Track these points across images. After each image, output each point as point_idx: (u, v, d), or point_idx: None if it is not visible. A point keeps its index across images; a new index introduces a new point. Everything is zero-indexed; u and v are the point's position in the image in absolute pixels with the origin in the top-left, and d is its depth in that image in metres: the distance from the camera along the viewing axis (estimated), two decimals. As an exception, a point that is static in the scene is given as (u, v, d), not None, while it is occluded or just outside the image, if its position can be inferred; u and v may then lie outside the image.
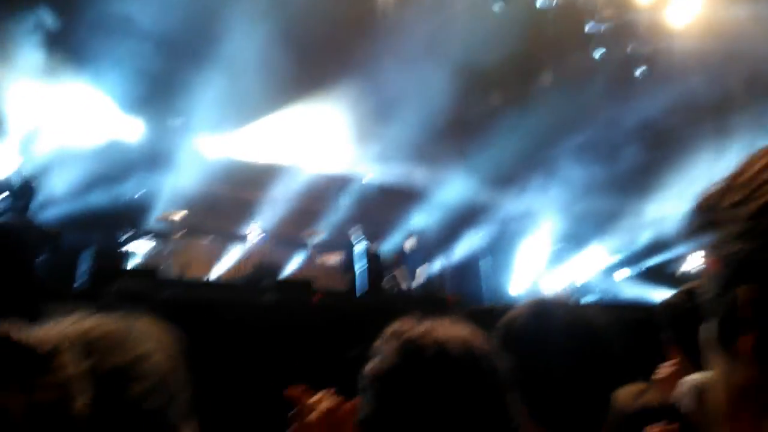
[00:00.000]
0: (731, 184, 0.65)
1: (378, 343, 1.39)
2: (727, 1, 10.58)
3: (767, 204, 0.60)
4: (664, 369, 2.00)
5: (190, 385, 1.18)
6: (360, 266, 11.38)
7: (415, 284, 11.90)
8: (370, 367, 1.35)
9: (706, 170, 10.95)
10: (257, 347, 7.04)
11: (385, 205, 13.75)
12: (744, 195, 0.62)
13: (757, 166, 0.63)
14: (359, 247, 11.36)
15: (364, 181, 14.85)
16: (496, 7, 10.72)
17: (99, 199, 10.74)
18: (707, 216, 0.67)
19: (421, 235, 12.34)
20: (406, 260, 12.13)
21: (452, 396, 1.25)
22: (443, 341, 1.29)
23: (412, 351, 1.30)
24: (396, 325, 1.38)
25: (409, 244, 12.17)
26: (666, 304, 2.02)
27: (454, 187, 13.55)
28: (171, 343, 1.40)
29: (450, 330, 1.34)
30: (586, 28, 11.38)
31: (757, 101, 10.43)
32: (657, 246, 11.33)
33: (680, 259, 10.87)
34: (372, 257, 11.36)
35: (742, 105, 10.68)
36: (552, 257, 12.68)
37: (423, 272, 12.01)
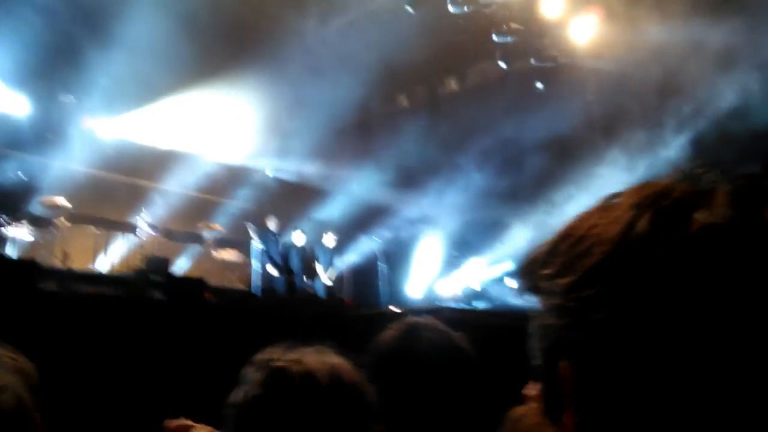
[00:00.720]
0: (553, 248, 0.62)
1: (244, 370, 1.33)
2: (626, 24, 11.03)
3: (580, 280, 0.56)
4: (532, 386, 2.00)
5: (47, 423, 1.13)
6: (256, 264, 11.13)
7: (321, 283, 11.75)
8: (234, 395, 1.29)
9: (603, 183, 11.42)
10: (141, 346, 6.73)
11: (285, 201, 13.54)
12: (561, 265, 0.59)
13: (579, 232, 0.60)
14: (255, 243, 11.10)
15: (266, 174, 14.58)
16: (409, 9, 10.71)
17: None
18: (529, 281, 0.65)
19: (327, 232, 12.19)
20: (317, 258, 11.95)
21: (317, 426, 1.20)
22: (311, 370, 1.25)
23: (279, 380, 1.25)
24: (264, 353, 1.33)
25: (327, 240, 11.97)
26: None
27: (355, 187, 13.52)
28: (31, 374, 1.32)
29: (319, 358, 1.29)
30: (495, 38, 11.55)
31: (650, 119, 10.95)
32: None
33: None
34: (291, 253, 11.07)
35: (637, 122, 11.18)
36: (448, 262, 12.88)
37: (330, 272, 11.88)
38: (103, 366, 6.33)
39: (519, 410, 1.73)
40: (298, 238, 11.97)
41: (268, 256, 11.31)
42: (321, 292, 11.65)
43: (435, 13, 11.66)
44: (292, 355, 1.29)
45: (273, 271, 11.34)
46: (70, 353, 6.18)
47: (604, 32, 11.32)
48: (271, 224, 11.86)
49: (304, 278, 11.85)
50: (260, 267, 11.31)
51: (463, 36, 11.99)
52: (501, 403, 1.75)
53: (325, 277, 11.82)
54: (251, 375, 1.30)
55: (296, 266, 11.77)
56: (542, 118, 12.41)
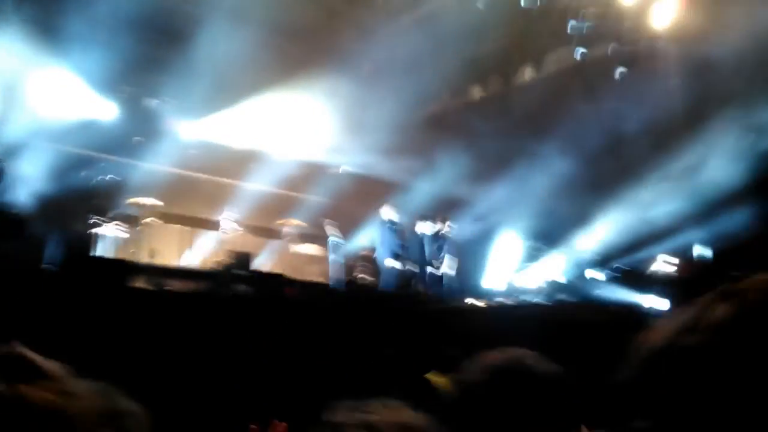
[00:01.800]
0: None
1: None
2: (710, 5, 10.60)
3: None
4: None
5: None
6: (333, 258, 11.25)
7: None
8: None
9: (682, 175, 11.05)
10: (226, 340, 6.94)
11: (362, 196, 13.65)
12: None
13: None
14: (333, 238, 11.22)
15: (343, 170, 14.76)
16: (480, 4, 10.61)
17: (69, 181, 10.49)
18: None
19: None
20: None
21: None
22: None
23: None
24: (332, 413, 1.28)
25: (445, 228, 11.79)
26: None
27: (432, 181, 13.50)
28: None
29: (389, 418, 1.24)
30: (569, 27, 11.32)
31: (735, 107, 10.47)
32: (629, 247, 11.42)
33: (651, 260, 10.97)
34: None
35: (720, 111, 10.71)
36: (529, 254, 12.70)
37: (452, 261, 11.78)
38: (189, 359, 6.57)
39: None
40: (426, 227, 11.90)
41: (387, 247, 11.13)
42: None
43: (508, 4, 11.52)
44: (359, 416, 1.24)
45: (393, 263, 11.19)
46: (159, 347, 6.45)
47: (687, 14, 10.88)
48: (390, 214, 11.74)
49: (432, 268, 11.72)
50: (341, 260, 11.39)
51: (537, 25, 11.77)
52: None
53: (450, 266, 11.69)
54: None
55: (429, 255, 11.68)
56: (627, 105, 12.10)
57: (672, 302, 9.02)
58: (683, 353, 0.61)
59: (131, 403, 1.09)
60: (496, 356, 1.58)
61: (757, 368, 0.54)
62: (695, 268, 9.64)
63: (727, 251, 9.48)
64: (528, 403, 1.43)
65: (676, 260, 10.33)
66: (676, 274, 9.89)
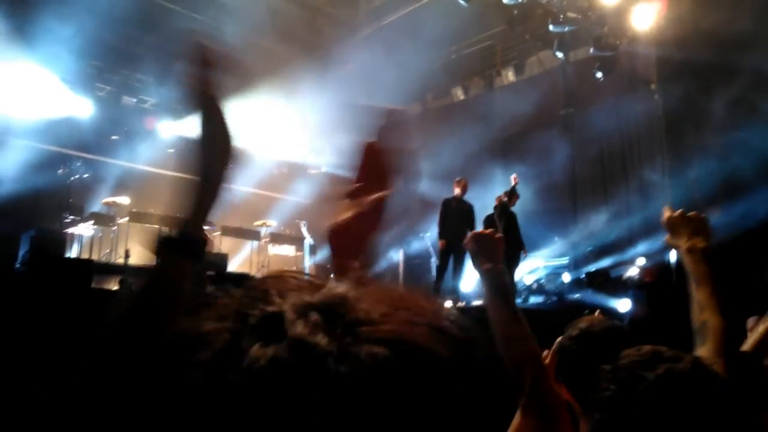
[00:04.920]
0: None
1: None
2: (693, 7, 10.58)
3: None
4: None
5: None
6: (309, 261, 11.19)
7: None
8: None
9: (660, 184, 11.06)
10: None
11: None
12: None
13: None
14: (308, 240, 11.19)
15: (321, 171, 14.71)
16: (461, 2, 10.58)
17: (44, 179, 10.43)
18: None
19: None
20: None
21: None
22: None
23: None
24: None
25: None
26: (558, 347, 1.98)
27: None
28: None
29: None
30: (551, 28, 11.29)
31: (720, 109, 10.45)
32: (603, 250, 11.44)
33: (624, 264, 10.97)
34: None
35: (702, 115, 10.71)
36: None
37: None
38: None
39: None
40: None
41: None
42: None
43: (489, 4, 11.49)
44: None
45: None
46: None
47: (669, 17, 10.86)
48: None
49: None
50: (312, 262, 11.39)
51: (518, 26, 11.74)
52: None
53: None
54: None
55: None
56: (603, 109, 12.11)
57: (637, 306, 9.06)
58: None
59: None
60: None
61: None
62: (660, 272, 9.64)
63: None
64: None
65: (644, 264, 10.35)
66: (643, 278, 9.91)
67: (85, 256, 10.35)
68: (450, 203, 9.90)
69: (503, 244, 2.06)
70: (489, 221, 9.80)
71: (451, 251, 9.64)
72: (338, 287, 0.54)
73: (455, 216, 9.76)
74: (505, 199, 9.85)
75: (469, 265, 10.12)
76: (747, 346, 1.97)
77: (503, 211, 9.78)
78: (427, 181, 12.83)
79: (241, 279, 8.91)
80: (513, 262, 9.66)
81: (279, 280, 0.57)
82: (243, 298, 0.55)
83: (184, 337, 0.52)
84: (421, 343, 0.49)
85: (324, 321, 0.49)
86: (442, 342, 0.51)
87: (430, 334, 0.50)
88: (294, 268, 0.60)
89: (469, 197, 10.29)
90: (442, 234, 9.78)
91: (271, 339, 0.48)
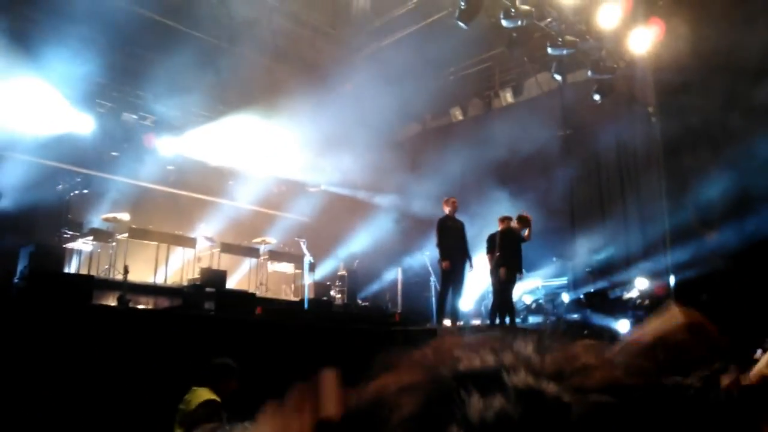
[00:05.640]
0: None
1: None
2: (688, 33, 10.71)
3: None
4: None
5: None
6: (308, 279, 11.21)
7: None
8: None
9: (659, 205, 11.11)
10: (186, 358, 6.89)
11: (339, 216, 13.65)
12: None
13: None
14: (307, 258, 11.18)
15: (320, 189, 14.76)
16: (461, 24, 10.68)
17: (43, 194, 10.43)
18: None
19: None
20: None
21: None
22: None
23: None
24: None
25: None
26: None
27: (406, 201, 13.53)
28: None
29: None
30: (549, 51, 11.39)
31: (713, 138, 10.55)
32: (602, 271, 11.48)
33: (625, 283, 10.99)
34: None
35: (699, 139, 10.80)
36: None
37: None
38: (153, 378, 6.51)
39: None
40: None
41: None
42: (369, 307, 11.61)
43: (488, 26, 11.60)
44: None
45: None
46: (123, 367, 6.39)
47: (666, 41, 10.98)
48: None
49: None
50: (312, 279, 11.38)
51: (517, 49, 11.85)
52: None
53: None
54: None
55: None
56: (601, 131, 12.21)
57: (636, 327, 9.02)
58: None
59: None
60: None
61: None
62: (664, 292, 9.67)
63: (695, 277, 9.55)
64: None
65: (647, 284, 10.38)
66: (646, 298, 9.94)
67: (83, 271, 10.35)
68: (446, 222, 9.84)
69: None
70: (492, 241, 9.79)
71: (453, 272, 9.59)
72: (526, 346, 0.55)
73: (452, 235, 9.76)
74: (516, 225, 9.83)
75: (467, 285, 10.15)
76: (752, 375, 2.00)
77: (510, 234, 9.73)
78: (423, 200, 12.95)
79: (243, 297, 8.92)
80: (512, 282, 9.65)
81: (455, 344, 0.57)
82: (430, 359, 0.55)
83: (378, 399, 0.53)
84: (636, 386, 0.51)
85: (539, 372, 0.50)
86: (648, 385, 0.54)
87: (637, 378, 0.52)
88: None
89: (467, 217, 10.34)
90: (444, 255, 9.61)
91: (489, 391, 0.48)
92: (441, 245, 9.69)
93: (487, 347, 0.55)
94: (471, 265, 9.78)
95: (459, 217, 10.06)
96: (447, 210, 9.91)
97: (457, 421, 0.47)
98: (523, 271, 10.08)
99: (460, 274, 9.60)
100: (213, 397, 4.64)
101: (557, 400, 0.47)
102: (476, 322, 10.09)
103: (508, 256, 9.44)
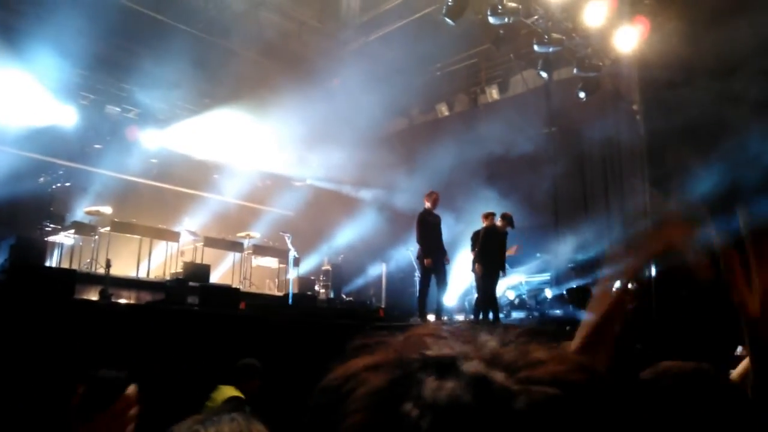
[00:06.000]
0: None
1: None
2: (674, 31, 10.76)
3: None
4: None
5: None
6: (293, 274, 11.18)
7: None
8: None
9: (642, 202, 11.18)
10: (169, 352, 6.86)
11: (324, 210, 13.63)
12: None
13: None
14: (292, 252, 11.14)
15: (306, 183, 14.73)
16: (448, 21, 10.67)
17: (24, 187, 10.33)
18: None
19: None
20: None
21: None
22: None
23: None
24: (179, 426, 1.31)
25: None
26: None
27: (392, 196, 13.53)
28: None
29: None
30: (535, 48, 11.42)
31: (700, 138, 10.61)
32: (585, 268, 11.53)
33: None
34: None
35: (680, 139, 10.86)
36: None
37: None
38: (136, 374, 6.47)
39: None
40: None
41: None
42: (353, 302, 11.64)
43: (475, 23, 11.61)
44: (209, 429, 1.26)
45: None
46: (106, 362, 6.35)
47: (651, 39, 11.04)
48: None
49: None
50: (296, 274, 11.36)
51: (503, 46, 11.87)
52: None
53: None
54: None
55: None
56: (586, 128, 12.26)
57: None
58: None
59: None
60: None
61: None
62: (645, 288, 9.72)
63: (672, 270, 9.59)
64: None
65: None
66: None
67: (65, 265, 10.25)
68: (426, 217, 9.76)
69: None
70: (475, 238, 9.82)
71: (434, 268, 9.59)
72: (489, 340, 0.60)
73: (432, 230, 9.75)
74: (500, 223, 9.86)
75: (451, 279, 10.18)
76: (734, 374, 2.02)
77: (494, 231, 9.76)
78: (409, 195, 12.96)
79: (227, 292, 8.89)
80: (494, 278, 9.69)
81: (427, 333, 0.62)
82: (400, 345, 0.61)
83: (345, 377, 0.57)
84: (579, 381, 0.54)
85: (492, 363, 0.54)
86: (592, 381, 0.56)
87: (582, 374, 0.56)
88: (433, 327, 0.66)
89: (453, 212, 10.37)
90: (427, 251, 9.58)
91: (445, 376, 0.52)
92: (422, 241, 9.65)
93: (455, 338, 0.61)
94: (447, 260, 9.79)
95: (444, 212, 10.07)
96: (428, 204, 9.85)
97: (413, 398, 0.51)
98: (507, 267, 10.11)
99: (441, 268, 9.59)
100: (238, 394, 4.97)
101: (504, 389, 0.51)
102: (460, 317, 10.12)
103: (487, 253, 9.46)
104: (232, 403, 4.72)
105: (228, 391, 5.02)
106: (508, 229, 9.89)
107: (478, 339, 0.60)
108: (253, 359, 5.33)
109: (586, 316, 1.92)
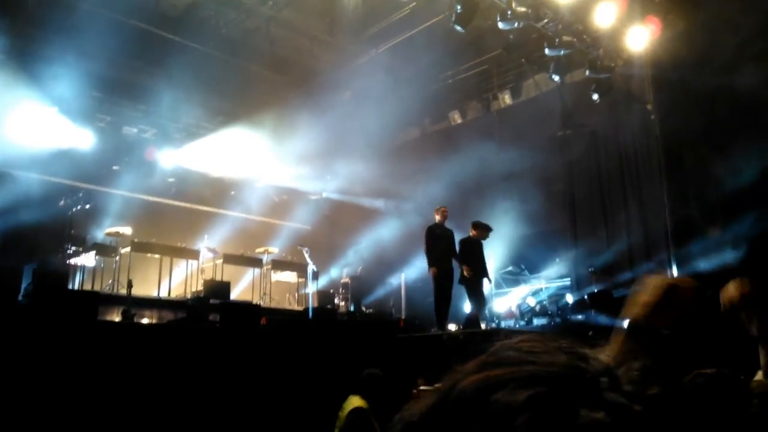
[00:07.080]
0: None
1: None
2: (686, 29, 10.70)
3: None
4: None
5: None
6: (312, 288, 11.20)
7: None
8: None
9: (660, 203, 11.09)
10: (193, 371, 6.89)
11: (341, 223, 13.65)
12: None
13: None
14: (311, 266, 11.17)
15: (322, 197, 14.77)
16: (458, 28, 10.67)
17: (45, 211, 10.45)
18: None
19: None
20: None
21: None
22: None
23: None
24: None
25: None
26: None
27: (407, 206, 13.53)
28: None
29: None
30: (546, 51, 11.39)
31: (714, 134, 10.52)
32: (605, 271, 11.44)
33: (628, 284, 10.94)
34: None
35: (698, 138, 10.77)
36: (503, 279, 12.67)
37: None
38: (162, 393, 6.51)
39: None
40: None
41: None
42: (374, 314, 11.69)
43: (485, 29, 11.61)
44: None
45: None
46: (131, 381, 6.40)
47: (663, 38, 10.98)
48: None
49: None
50: (315, 287, 11.38)
51: (514, 51, 11.86)
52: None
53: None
54: None
55: None
56: (600, 130, 12.21)
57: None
58: None
59: None
60: None
61: None
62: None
63: (699, 274, 9.50)
64: None
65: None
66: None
67: (87, 287, 10.35)
68: (434, 231, 10.04)
69: None
70: (464, 244, 10.09)
71: (444, 278, 9.77)
72: (599, 354, 0.59)
73: (442, 243, 9.92)
74: (472, 233, 10.19)
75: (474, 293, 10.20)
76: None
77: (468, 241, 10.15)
78: (424, 205, 12.94)
79: (248, 308, 8.92)
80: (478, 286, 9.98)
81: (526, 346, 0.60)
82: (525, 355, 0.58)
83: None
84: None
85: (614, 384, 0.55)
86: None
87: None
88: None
89: (468, 220, 10.42)
90: (432, 262, 9.84)
91: (591, 403, 0.52)
92: (429, 252, 9.92)
93: (555, 350, 0.58)
94: (489, 279, 10.38)
95: (461, 221, 10.19)
96: (438, 218, 10.21)
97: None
98: (490, 276, 10.52)
99: (451, 280, 9.91)
100: (362, 404, 5.21)
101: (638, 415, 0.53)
102: (452, 326, 10.16)
103: (466, 263, 9.88)
104: (354, 415, 5.10)
105: (354, 401, 5.24)
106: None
107: (585, 351, 0.59)
108: (375, 369, 5.52)
109: (620, 322, 1.92)
